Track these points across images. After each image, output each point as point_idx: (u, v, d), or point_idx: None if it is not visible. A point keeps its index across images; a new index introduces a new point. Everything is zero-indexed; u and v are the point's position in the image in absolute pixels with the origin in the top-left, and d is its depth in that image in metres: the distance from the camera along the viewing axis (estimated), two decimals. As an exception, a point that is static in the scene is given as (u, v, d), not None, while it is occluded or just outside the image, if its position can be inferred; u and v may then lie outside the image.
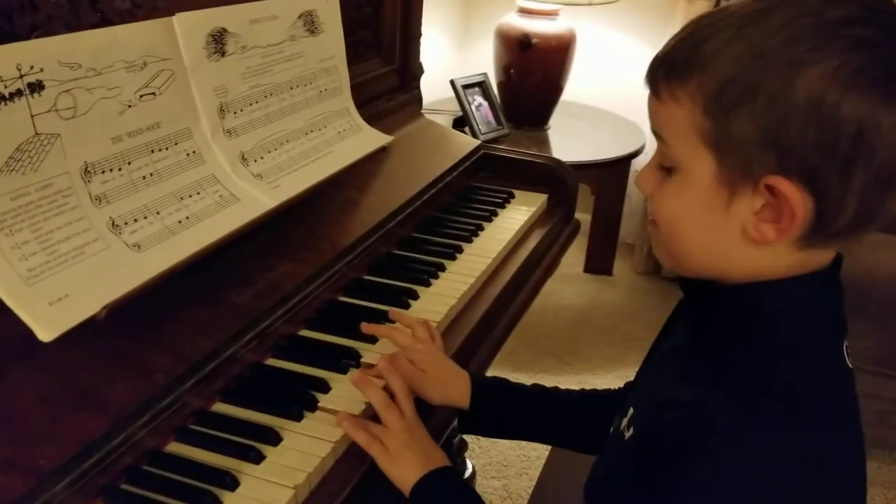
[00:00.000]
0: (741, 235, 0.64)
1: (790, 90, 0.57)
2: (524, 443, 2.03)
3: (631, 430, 0.73)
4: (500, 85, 2.60)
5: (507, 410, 0.98)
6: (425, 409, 0.93)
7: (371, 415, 0.86)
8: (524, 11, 2.52)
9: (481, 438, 2.03)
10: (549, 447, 1.28)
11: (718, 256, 0.67)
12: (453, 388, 0.95)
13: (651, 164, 0.70)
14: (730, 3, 0.64)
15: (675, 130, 0.65)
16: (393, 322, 1.01)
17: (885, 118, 0.56)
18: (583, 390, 1.02)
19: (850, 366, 0.69)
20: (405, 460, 0.81)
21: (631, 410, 0.75)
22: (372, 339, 0.99)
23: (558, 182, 1.52)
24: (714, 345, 0.68)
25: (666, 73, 0.65)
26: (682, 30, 0.65)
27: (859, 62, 0.56)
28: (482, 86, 2.49)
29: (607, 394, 1.00)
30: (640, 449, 0.69)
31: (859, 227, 0.62)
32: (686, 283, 0.73)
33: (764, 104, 0.58)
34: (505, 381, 1.00)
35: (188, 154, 0.95)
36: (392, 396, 0.87)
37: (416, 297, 1.11)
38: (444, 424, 0.96)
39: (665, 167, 0.67)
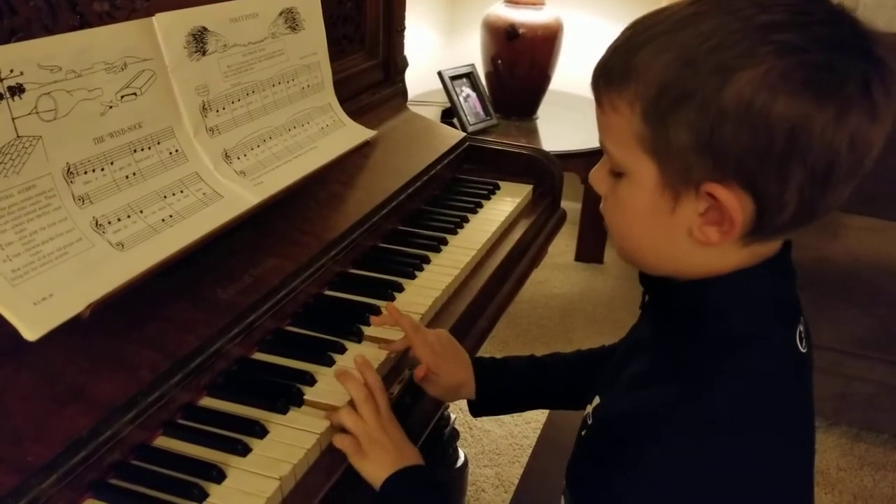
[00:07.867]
0: (688, 237, 0.65)
1: (720, 96, 0.58)
2: (516, 431, 2.05)
3: (594, 420, 0.74)
4: (487, 75, 2.61)
5: (510, 392, 1.03)
6: (406, 407, 0.94)
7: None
8: (510, 2, 2.52)
9: (473, 427, 2.05)
10: (538, 435, 1.31)
11: (669, 258, 0.68)
12: (459, 388, 0.99)
13: (602, 168, 0.71)
14: (670, 4, 0.64)
15: (617, 139, 0.66)
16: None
17: (817, 119, 0.57)
18: (578, 352, 1.05)
19: (804, 350, 0.71)
20: (375, 457, 0.82)
21: (596, 399, 0.77)
22: (357, 333, 1.00)
23: (543, 172, 1.53)
24: (673, 340, 0.70)
25: (605, 82, 0.66)
26: (620, 36, 0.66)
27: (786, 66, 0.56)
28: (470, 77, 2.50)
29: (602, 351, 1.03)
30: (598, 437, 0.71)
31: (802, 221, 0.63)
32: (646, 279, 0.74)
33: (696, 111, 0.59)
34: (504, 363, 1.04)
35: (171, 153, 0.96)
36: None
37: (401, 289, 1.12)
38: (430, 414, 0.98)
39: (615, 173, 0.68)
